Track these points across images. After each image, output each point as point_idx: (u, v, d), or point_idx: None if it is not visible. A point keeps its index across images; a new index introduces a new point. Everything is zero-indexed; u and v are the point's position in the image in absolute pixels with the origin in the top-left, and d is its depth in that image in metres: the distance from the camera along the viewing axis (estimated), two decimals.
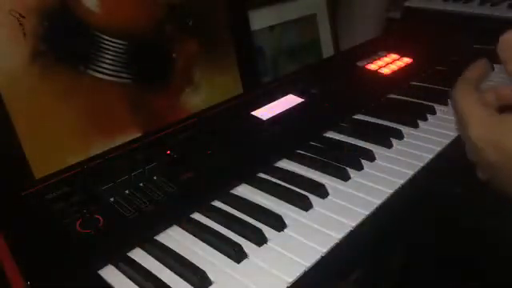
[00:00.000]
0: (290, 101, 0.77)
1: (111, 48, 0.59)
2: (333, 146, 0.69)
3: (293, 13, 0.89)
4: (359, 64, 0.93)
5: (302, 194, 0.57)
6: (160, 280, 0.46)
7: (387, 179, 0.60)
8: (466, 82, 0.39)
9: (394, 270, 0.65)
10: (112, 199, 0.55)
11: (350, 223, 0.52)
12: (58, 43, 0.55)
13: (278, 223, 0.52)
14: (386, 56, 0.96)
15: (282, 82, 0.84)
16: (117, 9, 0.60)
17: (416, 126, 0.72)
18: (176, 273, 0.47)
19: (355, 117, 0.77)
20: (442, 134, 0.70)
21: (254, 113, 0.72)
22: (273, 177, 0.62)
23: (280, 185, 0.60)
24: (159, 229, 0.53)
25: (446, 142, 0.67)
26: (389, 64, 0.93)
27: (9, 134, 0.51)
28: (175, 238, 0.52)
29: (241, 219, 0.54)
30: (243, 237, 0.51)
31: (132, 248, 0.51)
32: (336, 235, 0.51)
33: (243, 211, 0.55)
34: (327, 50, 0.97)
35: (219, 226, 0.53)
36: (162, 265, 0.48)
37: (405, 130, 0.71)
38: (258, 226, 0.52)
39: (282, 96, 0.77)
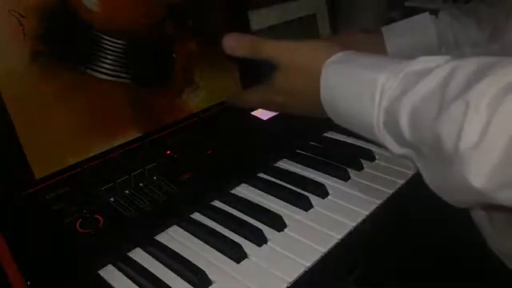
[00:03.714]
0: None
1: (111, 48, 0.59)
2: (333, 146, 0.69)
3: (293, 13, 0.89)
4: None
5: (302, 194, 0.57)
6: (160, 280, 0.46)
7: (387, 179, 0.60)
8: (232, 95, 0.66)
9: (393, 270, 0.65)
10: (112, 199, 0.55)
11: (350, 223, 0.52)
12: (58, 43, 0.55)
13: (278, 223, 0.52)
14: None
15: None
16: (117, 9, 0.60)
17: None
18: (176, 273, 0.47)
19: None
20: None
21: (254, 113, 0.72)
22: (273, 177, 0.62)
23: (280, 185, 0.60)
24: (159, 229, 0.53)
25: None
26: None
27: (9, 134, 0.51)
28: (175, 238, 0.52)
29: (241, 219, 0.54)
30: (243, 237, 0.51)
31: (132, 248, 0.51)
32: (336, 235, 0.51)
33: (243, 211, 0.55)
34: None
35: (219, 225, 0.53)
36: (162, 265, 0.48)
37: None
38: (258, 226, 0.52)
39: None
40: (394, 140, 0.43)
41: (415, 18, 0.75)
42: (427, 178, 0.42)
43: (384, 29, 0.76)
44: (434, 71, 0.40)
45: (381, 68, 0.44)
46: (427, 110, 0.38)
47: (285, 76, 0.53)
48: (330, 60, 0.49)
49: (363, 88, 0.45)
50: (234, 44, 0.56)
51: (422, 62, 0.42)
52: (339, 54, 0.49)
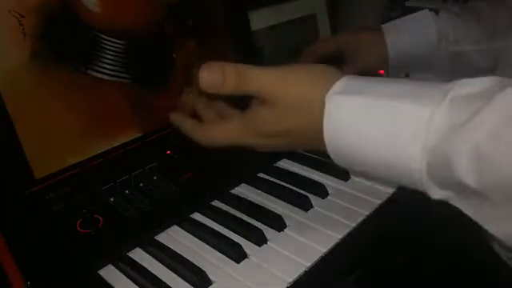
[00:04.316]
0: None
1: (111, 48, 0.59)
2: None
3: (293, 13, 0.89)
4: None
5: (302, 194, 0.57)
6: (160, 280, 0.46)
7: None
8: (189, 127, 0.51)
9: (393, 270, 0.65)
10: (112, 199, 0.55)
11: (350, 223, 0.52)
12: (58, 43, 0.55)
13: (278, 223, 0.52)
14: None
15: None
16: (117, 9, 0.60)
17: None
18: (176, 273, 0.47)
19: None
20: None
21: None
22: (273, 177, 0.62)
23: (280, 185, 0.60)
24: (159, 229, 0.53)
25: None
26: None
27: (9, 134, 0.51)
28: (175, 238, 0.52)
29: (241, 219, 0.54)
30: (243, 237, 0.51)
31: (132, 248, 0.51)
32: (336, 235, 0.51)
33: (243, 211, 0.55)
34: None
35: (219, 225, 0.53)
36: (161, 265, 0.48)
37: None
38: (258, 226, 0.52)
39: None
40: (434, 183, 0.36)
41: (415, 14, 0.75)
42: (495, 228, 0.34)
43: (384, 26, 0.76)
44: (496, 98, 0.32)
45: (417, 96, 0.36)
46: (503, 149, 0.31)
47: (277, 114, 0.42)
48: (332, 90, 0.40)
49: (396, 124, 0.36)
50: (218, 80, 0.42)
51: (469, 85, 0.35)
52: (341, 82, 0.40)
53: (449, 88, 0.35)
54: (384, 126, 0.37)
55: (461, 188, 0.34)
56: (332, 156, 0.42)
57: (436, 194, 0.37)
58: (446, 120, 0.34)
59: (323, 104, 0.40)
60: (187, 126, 0.50)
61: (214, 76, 0.42)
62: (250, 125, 0.44)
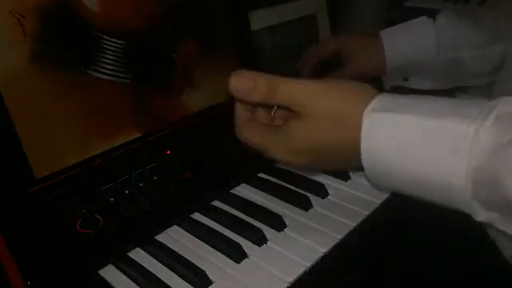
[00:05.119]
0: None
1: (111, 48, 0.59)
2: None
3: (293, 13, 0.89)
4: None
5: (302, 194, 0.57)
6: (160, 280, 0.46)
7: None
8: (238, 118, 0.48)
9: (393, 270, 0.65)
10: (112, 199, 0.55)
11: (350, 223, 0.53)
12: (58, 43, 0.55)
13: (278, 223, 0.52)
14: None
15: None
16: (117, 9, 0.60)
17: None
18: (176, 273, 0.47)
19: None
20: None
21: None
22: (273, 177, 0.62)
23: (280, 185, 0.60)
24: (159, 229, 0.53)
25: None
26: None
27: (9, 134, 0.51)
28: (175, 238, 0.52)
29: (241, 219, 0.54)
30: (243, 237, 0.51)
31: (132, 248, 0.51)
32: (336, 235, 0.51)
33: (243, 211, 0.55)
34: None
35: (219, 225, 0.53)
36: (162, 265, 0.48)
37: None
38: (258, 226, 0.52)
39: None
40: (479, 203, 0.35)
41: (413, 21, 0.76)
42: None
43: (382, 33, 0.76)
44: None
45: (460, 114, 0.35)
46: None
47: (311, 128, 0.41)
48: (370, 107, 0.39)
49: (440, 142, 0.35)
50: (247, 85, 0.42)
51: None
52: (379, 100, 0.40)
53: (492, 105, 0.34)
54: (426, 145, 0.36)
55: (509, 208, 0.33)
56: (368, 174, 0.41)
57: (481, 215, 0.36)
58: (491, 138, 0.33)
59: (360, 121, 0.39)
60: (240, 111, 0.48)
61: (243, 82, 0.43)
62: (284, 139, 0.43)
